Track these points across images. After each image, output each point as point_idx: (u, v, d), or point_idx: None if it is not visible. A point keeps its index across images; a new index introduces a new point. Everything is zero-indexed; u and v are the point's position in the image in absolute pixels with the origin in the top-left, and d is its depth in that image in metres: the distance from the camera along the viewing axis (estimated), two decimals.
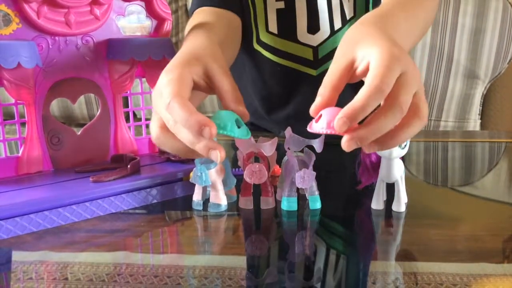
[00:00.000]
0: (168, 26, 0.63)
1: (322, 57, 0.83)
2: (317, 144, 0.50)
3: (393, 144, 0.40)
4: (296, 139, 0.50)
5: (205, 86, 0.45)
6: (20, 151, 0.54)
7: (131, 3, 0.60)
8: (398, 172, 0.50)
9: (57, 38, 0.56)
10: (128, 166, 0.53)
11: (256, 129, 0.95)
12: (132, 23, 0.61)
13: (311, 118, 0.41)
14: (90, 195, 0.49)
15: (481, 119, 1.64)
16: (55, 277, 0.38)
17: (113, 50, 0.58)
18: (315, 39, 0.82)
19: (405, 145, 0.48)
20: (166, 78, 0.43)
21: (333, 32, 0.81)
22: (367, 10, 0.81)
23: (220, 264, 0.40)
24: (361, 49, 0.42)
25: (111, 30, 0.59)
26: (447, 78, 1.59)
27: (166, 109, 0.40)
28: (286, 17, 0.81)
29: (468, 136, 1.00)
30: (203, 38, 0.54)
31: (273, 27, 0.82)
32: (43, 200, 0.47)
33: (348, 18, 0.80)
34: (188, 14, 0.95)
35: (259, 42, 0.84)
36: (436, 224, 0.48)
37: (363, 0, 0.81)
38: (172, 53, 0.61)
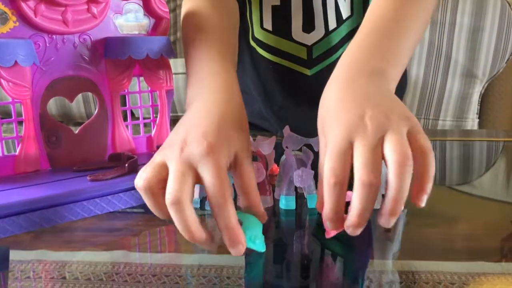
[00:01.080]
0: (166, 24, 0.63)
1: (316, 57, 0.82)
2: (315, 143, 0.50)
3: (424, 194, 0.37)
4: (294, 137, 0.50)
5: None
6: (17, 150, 0.54)
7: (128, 1, 0.60)
8: None
9: (54, 36, 0.55)
10: (126, 164, 0.53)
11: (254, 128, 0.95)
12: (130, 21, 0.61)
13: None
14: (88, 194, 0.49)
15: (479, 118, 1.65)
16: (53, 276, 0.38)
17: (111, 49, 0.58)
18: (310, 38, 0.81)
19: None
20: (204, 146, 0.38)
21: (327, 32, 0.80)
22: (364, 10, 0.80)
23: (218, 263, 0.39)
24: (326, 132, 0.40)
25: (109, 28, 0.59)
26: (445, 77, 1.59)
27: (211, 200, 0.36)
28: (281, 15, 0.80)
29: (466, 135, 1.00)
30: (223, 77, 0.49)
31: (268, 24, 0.81)
32: (40, 199, 0.46)
33: (344, 18, 0.80)
34: None
35: (254, 39, 0.84)
36: (434, 223, 0.48)
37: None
38: (170, 52, 0.61)
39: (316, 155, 0.51)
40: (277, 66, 0.84)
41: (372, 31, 0.51)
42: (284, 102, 0.87)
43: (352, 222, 0.36)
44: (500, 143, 0.87)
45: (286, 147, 0.51)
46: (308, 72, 0.83)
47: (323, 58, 0.82)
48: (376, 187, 0.35)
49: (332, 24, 0.80)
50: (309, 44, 0.81)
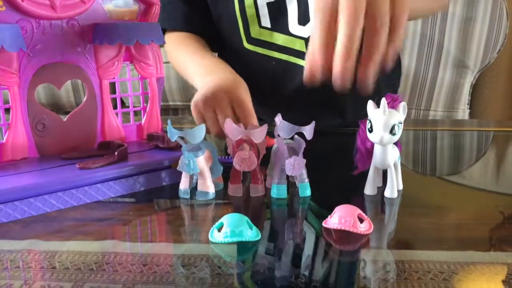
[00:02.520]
0: (156, 10, 0.62)
1: None
2: (308, 131, 0.50)
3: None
4: (286, 125, 0.50)
5: None
6: (4, 138, 0.53)
7: None
8: (391, 158, 0.50)
9: (41, 21, 0.54)
10: (116, 153, 0.52)
11: None
12: (119, 7, 0.60)
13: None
14: (77, 182, 0.48)
15: (470, 108, 1.65)
16: (43, 266, 0.37)
17: (100, 35, 0.57)
18: (306, 31, 0.82)
19: (396, 132, 0.48)
20: (243, 95, 0.66)
21: None
22: None
23: (209, 252, 0.39)
24: None
25: (98, 14, 0.58)
26: (437, 67, 1.60)
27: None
28: (277, 10, 0.82)
29: (457, 125, 1.00)
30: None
31: (266, 21, 0.83)
32: (28, 186, 0.46)
33: None
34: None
35: (250, 40, 0.85)
36: (424, 213, 0.48)
37: None
38: (161, 38, 0.60)
39: (308, 143, 0.51)
40: (277, 61, 0.86)
41: None
42: (280, 94, 0.89)
43: (340, 50, 0.42)
44: (490, 133, 0.87)
45: (278, 135, 0.51)
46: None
47: None
48: (360, 12, 0.42)
49: None
50: (306, 36, 0.83)
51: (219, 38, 0.91)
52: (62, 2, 0.54)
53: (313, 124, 0.50)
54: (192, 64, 0.81)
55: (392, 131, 0.47)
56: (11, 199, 0.44)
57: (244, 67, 0.88)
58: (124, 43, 0.57)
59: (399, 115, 0.48)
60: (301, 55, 0.84)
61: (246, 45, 0.86)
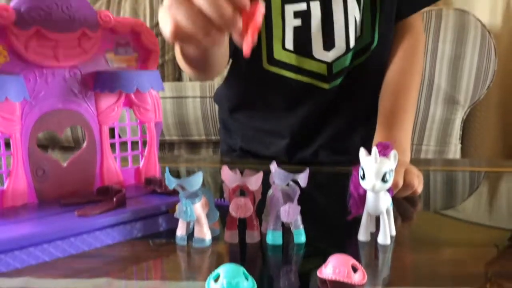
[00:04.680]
0: (155, 57, 0.64)
1: (336, 73, 0.88)
2: (302, 179, 0.51)
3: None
4: (282, 173, 0.51)
5: None
6: (5, 184, 0.54)
7: (119, 35, 0.61)
8: (383, 205, 0.51)
9: (44, 70, 0.56)
10: (114, 199, 0.53)
11: (246, 154, 0.97)
12: (120, 55, 0.62)
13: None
14: (76, 230, 0.49)
15: (461, 143, 1.68)
16: None
17: (101, 83, 0.59)
18: (330, 56, 0.86)
19: (387, 180, 0.49)
20: None
21: (348, 49, 0.86)
22: (373, 29, 0.87)
23: None
24: None
25: (99, 62, 0.60)
26: (428, 103, 1.63)
27: None
28: (302, 34, 0.85)
29: (449, 164, 1.02)
30: None
31: (289, 44, 0.86)
32: (28, 236, 0.46)
33: (358, 36, 0.87)
34: None
35: (272, 61, 0.87)
36: (419, 250, 0.49)
37: (369, 19, 0.86)
38: (160, 85, 0.62)
39: (303, 191, 0.52)
40: (297, 83, 0.88)
41: (388, 126, 0.80)
42: (294, 115, 0.92)
43: None
44: (481, 172, 0.89)
45: (273, 182, 0.52)
46: (327, 86, 0.89)
47: (342, 73, 0.88)
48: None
49: (352, 41, 0.86)
50: (329, 61, 0.87)
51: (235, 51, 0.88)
52: (65, 52, 0.56)
53: (307, 171, 0.52)
54: None
55: (383, 179, 0.49)
56: (12, 248, 0.45)
57: (259, 86, 0.92)
58: (124, 91, 0.59)
59: (390, 163, 0.50)
60: (322, 78, 0.88)
61: (266, 65, 0.88)
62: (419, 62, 0.89)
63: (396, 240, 0.52)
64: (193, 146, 1.84)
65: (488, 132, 1.73)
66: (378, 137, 0.79)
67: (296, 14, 0.85)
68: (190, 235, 0.52)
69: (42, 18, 0.54)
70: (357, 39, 0.87)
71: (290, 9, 0.84)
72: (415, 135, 1.65)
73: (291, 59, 0.87)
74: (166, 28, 0.46)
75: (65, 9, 0.55)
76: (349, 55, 0.87)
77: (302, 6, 0.84)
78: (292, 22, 0.85)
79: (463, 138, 1.69)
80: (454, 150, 1.65)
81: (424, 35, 0.95)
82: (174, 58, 2.01)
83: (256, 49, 0.86)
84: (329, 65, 0.87)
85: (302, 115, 0.91)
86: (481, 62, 1.59)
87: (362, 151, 0.51)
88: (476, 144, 1.72)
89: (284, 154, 0.93)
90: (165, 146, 1.82)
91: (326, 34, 0.85)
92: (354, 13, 0.85)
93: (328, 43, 0.86)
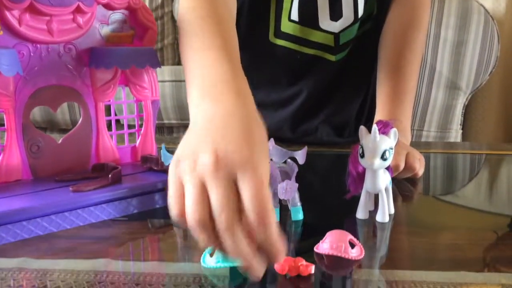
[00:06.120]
0: (152, 35, 0.63)
1: (342, 44, 0.85)
2: (300, 156, 0.50)
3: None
4: (279, 150, 0.50)
5: None
6: None
7: (114, 11, 0.60)
8: (382, 183, 0.50)
9: (38, 45, 0.55)
10: (109, 175, 0.53)
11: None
12: (116, 31, 0.61)
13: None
14: (70, 205, 0.49)
15: (462, 129, 1.67)
16: (34, 285, 0.37)
17: (96, 59, 0.58)
18: (337, 26, 0.83)
19: (387, 158, 0.49)
20: (264, 157, 0.35)
21: (356, 19, 0.83)
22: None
23: (202, 272, 0.39)
24: None
25: (94, 38, 0.59)
26: (429, 89, 1.61)
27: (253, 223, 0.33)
28: (308, 4, 0.82)
29: (449, 147, 1.01)
30: (236, 85, 0.44)
31: (295, 15, 0.83)
32: (21, 210, 0.46)
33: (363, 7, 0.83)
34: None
35: (278, 34, 0.85)
36: (418, 233, 0.49)
37: None
38: (156, 63, 0.61)
39: (300, 167, 0.51)
40: (303, 55, 0.86)
41: (391, 98, 0.78)
42: (301, 88, 0.89)
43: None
44: (482, 155, 0.88)
45: (271, 159, 0.51)
46: (333, 58, 0.86)
47: (349, 44, 0.85)
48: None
49: (361, 10, 0.83)
50: (337, 31, 0.83)
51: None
52: (59, 27, 0.55)
53: (305, 149, 0.51)
54: (195, 60, 0.50)
55: (383, 157, 0.48)
56: (4, 222, 0.45)
57: (264, 58, 0.88)
58: (120, 68, 0.58)
59: (390, 141, 0.49)
60: (328, 49, 0.85)
61: (272, 38, 0.85)
62: (420, 30, 0.82)
63: (395, 221, 0.52)
64: None
65: (490, 118, 1.72)
66: (379, 116, 0.77)
67: None
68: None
69: None
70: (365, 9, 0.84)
71: None
72: (416, 120, 1.64)
73: (296, 30, 0.84)
74: (173, 211, 0.36)
75: None
76: (357, 25, 0.83)
77: None
78: None
79: (464, 124, 1.68)
80: (455, 136, 1.64)
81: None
82: (173, 42, 1.99)
83: (263, 22, 0.84)
84: (336, 35, 0.84)
85: (307, 89, 0.89)
86: (484, 48, 1.58)
87: (362, 129, 0.50)
88: (477, 130, 1.71)
89: (288, 126, 0.91)
90: (164, 130, 1.82)
91: (333, 3, 0.82)
92: None
93: (336, 13, 0.83)
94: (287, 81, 0.90)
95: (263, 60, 0.88)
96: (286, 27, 0.84)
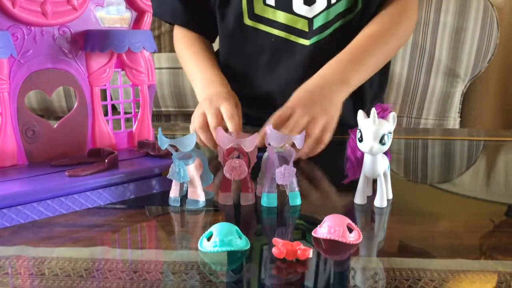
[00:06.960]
0: (148, 18, 0.62)
1: (316, 28, 0.86)
2: (298, 141, 0.50)
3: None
4: (277, 135, 0.50)
5: None
6: None
7: None
8: (381, 168, 0.50)
9: (33, 28, 0.54)
10: (106, 160, 0.52)
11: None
12: (111, 14, 0.60)
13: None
14: (66, 190, 0.48)
15: (460, 117, 1.67)
16: (32, 272, 0.37)
17: (91, 42, 0.57)
18: (311, 11, 0.85)
19: (385, 142, 0.48)
20: (230, 105, 0.69)
21: (329, 5, 0.85)
22: None
23: (200, 260, 0.39)
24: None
25: (89, 21, 0.58)
26: (428, 76, 1.61)
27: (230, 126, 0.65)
28: None
29: (448, 134, 1.01)
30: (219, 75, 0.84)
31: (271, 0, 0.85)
32: (16, 194, 0.45)
33: None
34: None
35: (252, 16, 0.87)
36: (415, 220, 0.48)
37: None
38: (153, 45, 0.60)
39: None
40: (277, 38, 0.88)
41: (354, 49, 0.80)
42: (278, 73, 0.91)
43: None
44: (480, 142, 0.88)
45: (269, 144, 0.51)
46: (307, 43, 0.87)
47: (322, 30, 0.86)
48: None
49: None
50: (310, 16, 0.85)
51: (212, 25, 0.93)
52: (54, 9, 0.54)
53: (303, 133, 0.50)
54: (196, 72, 0.88)
55: (381, 141, 0.48)
56: (0, 206, 0.44)
57: (241, 44, 0.91)
58: (115, 51, 0.57)
59: (389, 125, 0.48)
60: (302, 34, 0.86)
61: (247, 21, 0.87)
62: (401, 25, 0.85)
63: (393, 206, 0.51)
64: (190, 117, 1.82)
65: (488, 106, 1.71)
66: (324, 68, 0.77)
67: None
68: (183, 197, 0.51)
69: None
70: None
71: None
72: (414, 108, 1.64)
73: (270, 14, 0.86)
74: (192, 126, 0.73)
75: None
76: (331, 10, 0.85)
77: None
78: None
79: (463, 112, 1.68)
80: (453, 124, 1.64)
81: (416, 6, 0.90)
82: (170, 29, 1.97)
83: (239, 5, 0.86)
84: (310, 20, 0.86)
85: (284, 76, 0.90)
86: (483, 35, 1.57)
87: (360, 113, 0.49)
88: (475, 117, 1.71)
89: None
90: (161, 117, 1.81)
91: None
92: None
93: None
94: (263, 68, 0.91)
95: (240, 47, 0.91)
96: (261, 10, 0.86)
